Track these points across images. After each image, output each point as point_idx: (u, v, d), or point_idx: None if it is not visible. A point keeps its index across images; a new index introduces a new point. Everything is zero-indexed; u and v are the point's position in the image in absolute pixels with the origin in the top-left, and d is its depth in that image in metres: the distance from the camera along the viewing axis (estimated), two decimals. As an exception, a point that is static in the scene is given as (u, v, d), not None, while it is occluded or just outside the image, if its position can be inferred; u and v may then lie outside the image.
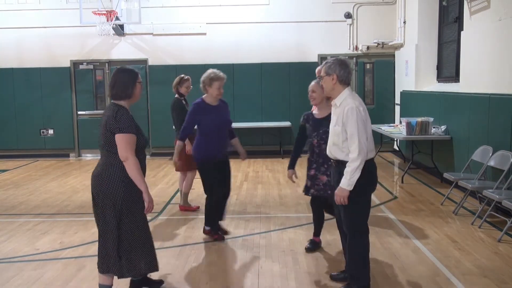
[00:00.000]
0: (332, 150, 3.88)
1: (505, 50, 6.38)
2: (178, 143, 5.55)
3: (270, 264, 4.72)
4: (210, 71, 5.28)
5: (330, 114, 4.20)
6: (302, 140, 4.95)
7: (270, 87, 11.65)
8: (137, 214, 3.67)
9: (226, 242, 5.41)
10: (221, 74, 5.29)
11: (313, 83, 4.75)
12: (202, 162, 5.29)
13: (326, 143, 4.22)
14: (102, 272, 3.76)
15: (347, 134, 3.71)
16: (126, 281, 4.00)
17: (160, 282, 4.24)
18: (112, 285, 3.85)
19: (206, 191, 5.38)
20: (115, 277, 3.82)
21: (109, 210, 3.60)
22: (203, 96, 5.35)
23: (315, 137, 4.72)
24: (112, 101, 3.73)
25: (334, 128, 3.83)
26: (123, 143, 3.55)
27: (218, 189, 5.34)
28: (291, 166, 5.02)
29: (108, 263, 3.69)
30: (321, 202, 4.91)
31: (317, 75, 6.65)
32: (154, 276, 4.25)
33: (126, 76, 3.72)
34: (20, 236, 5.72)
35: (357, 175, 3.66)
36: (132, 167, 3.55)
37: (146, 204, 3.61)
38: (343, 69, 3.79)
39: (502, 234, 5.26)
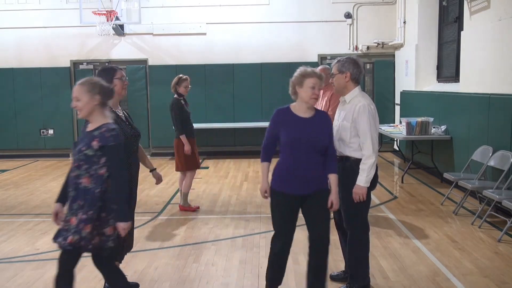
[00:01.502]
0: (337, 145, 3.89)
1: (505, 50, 6.38)
2: (262, 164, 3.83)
3: (270, 264, 4.71)
4: (299, 69, 3.76)
5: (95, 129, 3.16)
6: None
7: (270, 87, 11.64)
8: None
9: (226, 242, 5.41)
10: (317, 70, 3.78)
11: (76, 86, 3.23)
12: (272, 190, 3.80)
13: (78, 165, 3.12)
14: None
15: (356, 130, 3.75)
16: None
17: (136, 285, 4.23)
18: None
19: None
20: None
21: None
22: (292, 104, 3.80)
23: (73, 156, 3.21)
24: None
25: (342, 123, 3.86)
26: None
27: (276, 237, 3.88)
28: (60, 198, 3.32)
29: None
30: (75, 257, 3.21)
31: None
32: (132, 278, 4.30)
33: (103, 75, 3.83)
34: (20, 236, 5.72)
35: (373, 171, 3.74)
36: None
37: None
38: (356, 67, 3.87)
39: (502, 234, 5.26)
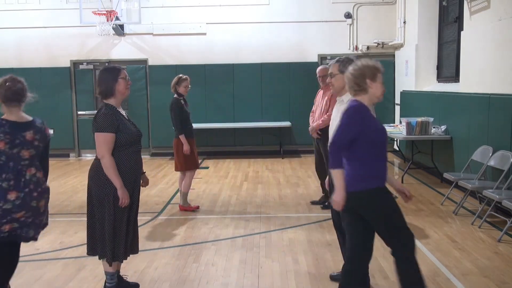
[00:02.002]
0: None
1: (505, 50, 6.38)
2: (337, 172, 3.28)
3: (270, 264, 4.72)
4: (365, 60, 3.35)
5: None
6: None
7: (270, 87, 11.65)
8: (118, 208, 3.78)
9: (226, 242, 5.41)
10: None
11: None
12: (371, 191, 3.35)
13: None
14: (99, 258, 3.92)
15: None
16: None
17: (136, 285, 4.23)
18: (117, 271, 4.01)
19: (393, 236, 3.36)
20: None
21: (102, 201, 3.76)
22: (358, 98, 3.34)
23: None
24: (102, 100, 3.88)
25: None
26: (99, 141, 3.72)
27: (409, 233, 3.39)
28: None
29: (103, 248, 3.83)
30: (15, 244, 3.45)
31: (318, 75, 6.69)
32: (132, 278, 4.32)
33: (107, 74, 3.85)
34: (20, 236, 5.71)
35: None
36: (107, 165, 3.70)
37: (120, 200, 3.74)
38: None
39: (502, 234, 5.25)
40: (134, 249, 4.05)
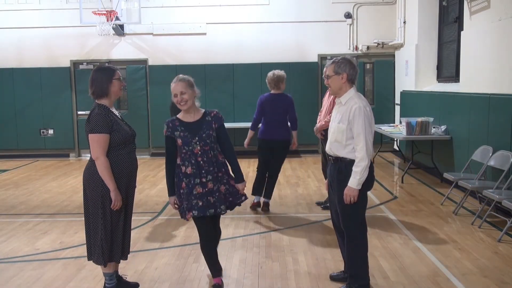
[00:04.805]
0: (333, 147, 3.89)
1: (505, 50, 6.38)
2: None
3: (270, 264, 4.72)
4: None
5: (202, 117, 4.02)
6: (175, 154, 4.05)
7: (270, 87, 11.63)
8: (109, 210, 3.78)
9: (226, 242, 5.41)
10: None
11: (176, 83, 4.00)
12: None
13: (211, 147, 3.98)
14: (89, 259, 3.93)
15: (352, 132, 3.73)
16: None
17: (136, 285, 4.23)
18: (116, 271, 4.02)
19: None
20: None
21: (96, 203, 3.75)
22: None
23: (196, 143, 3.97)
24: (95, 100, 3.86)
25: (338, 125, 3.84)
26: (93, 143, 3.72)
27: None
28: (173, 191, 4.10)
29: (94, 251, 3.84)
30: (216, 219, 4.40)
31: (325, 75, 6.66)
32: (132, 278, 4.33)
33: (101, 74, 3.82)
34: (20, 236, 5.72)
35: (366, 174, 3.71)
36: (101, 167, 3.70)
37: (112, 203, 3.73)
38: (352, 68, 3.84)
39: (502, 234, 5.26)
40: (125, 255, 4.01)
